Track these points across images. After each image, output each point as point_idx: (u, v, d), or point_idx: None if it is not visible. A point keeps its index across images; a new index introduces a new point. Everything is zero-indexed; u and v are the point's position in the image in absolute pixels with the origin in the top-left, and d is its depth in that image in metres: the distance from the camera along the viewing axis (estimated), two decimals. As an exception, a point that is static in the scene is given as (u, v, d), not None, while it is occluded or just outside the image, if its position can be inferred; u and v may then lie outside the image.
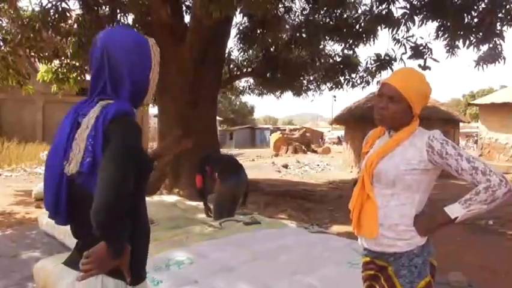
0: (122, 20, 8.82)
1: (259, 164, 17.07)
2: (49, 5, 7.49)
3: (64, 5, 7.58)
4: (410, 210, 1.57)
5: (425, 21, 7.02)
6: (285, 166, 15.74)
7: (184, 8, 8.49)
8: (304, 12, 9.17)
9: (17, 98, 13.59)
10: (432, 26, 8.69)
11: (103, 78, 1.33)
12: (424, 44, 7.54)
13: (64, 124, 1.33)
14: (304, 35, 8.75)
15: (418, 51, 7.52)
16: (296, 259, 2.93)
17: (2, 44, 8.06)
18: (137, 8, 7.23)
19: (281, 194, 8.60)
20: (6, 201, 7.53)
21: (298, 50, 9.28)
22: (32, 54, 8.24)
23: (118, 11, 8.53)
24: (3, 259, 4.23)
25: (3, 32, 8.03)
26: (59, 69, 9.16)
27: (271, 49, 9.39)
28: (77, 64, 8.91)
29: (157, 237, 3.40)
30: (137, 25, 8.51)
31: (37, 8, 7.59)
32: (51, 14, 7.40)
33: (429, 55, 7.48)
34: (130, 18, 8.95)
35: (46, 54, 8.41)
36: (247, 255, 2.93)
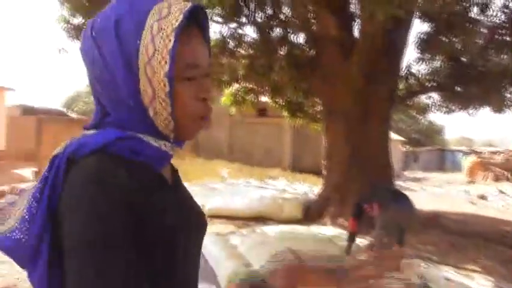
0: (293, 40, 8.87)
1: (447, 192, 14.78)
2: (228, 33, 8.07)
3: (239, 31, 8.11)
4: None
5: None
6: (482, 197, 13.19)
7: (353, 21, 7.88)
8: (506, 10, 7.36)
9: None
10: None
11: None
12: None
13: None
14: (506, 38, 7.01)
15: None
16: None
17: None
18: (308, 27, 7.09)
19: (472, 235, 6.90)
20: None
21: (498, 56, 7.49)
22: (213, 77, 9.02)
23: (290, 31, 8.60)
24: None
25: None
26: (238, 92, 9.77)
27: (461, 58, 7.84)
28: (253, 87, 9.32)
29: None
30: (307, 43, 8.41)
31: (217, 36, 8.19)
32: (229, 41, 7.94)
33: None
34: (301, 38, 8.94)
35: (225, 78, 9.09)
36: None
